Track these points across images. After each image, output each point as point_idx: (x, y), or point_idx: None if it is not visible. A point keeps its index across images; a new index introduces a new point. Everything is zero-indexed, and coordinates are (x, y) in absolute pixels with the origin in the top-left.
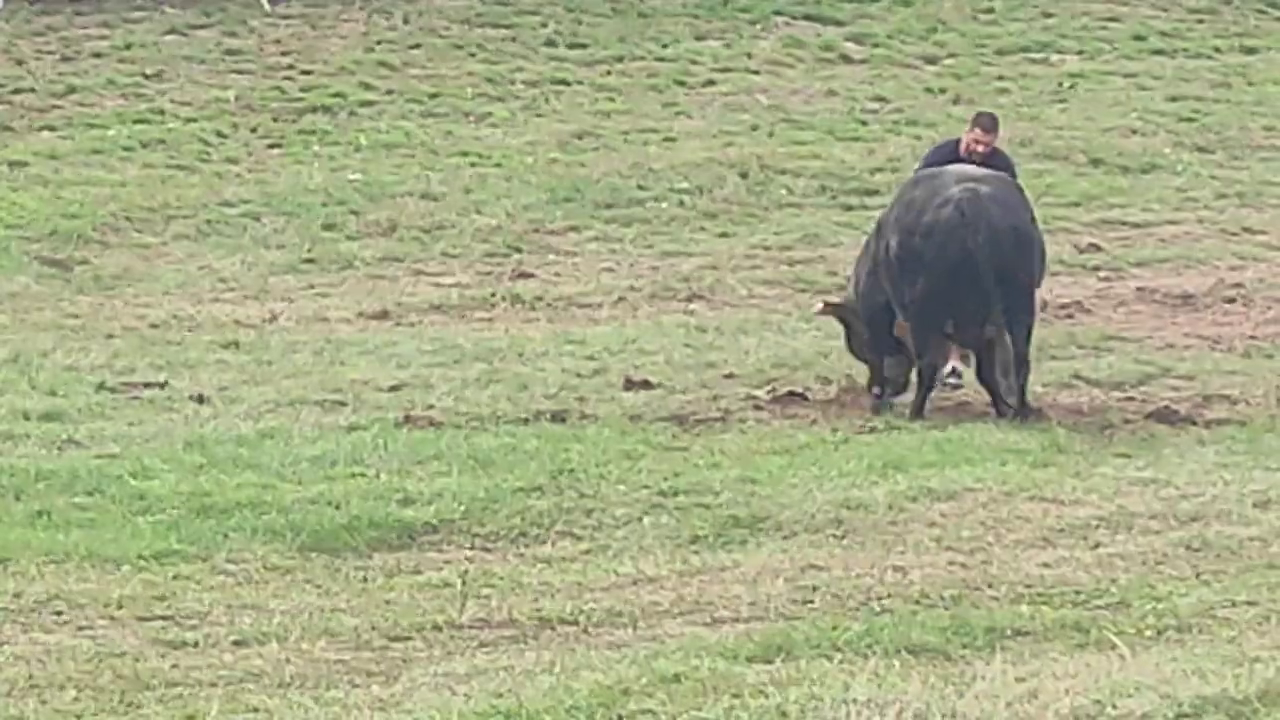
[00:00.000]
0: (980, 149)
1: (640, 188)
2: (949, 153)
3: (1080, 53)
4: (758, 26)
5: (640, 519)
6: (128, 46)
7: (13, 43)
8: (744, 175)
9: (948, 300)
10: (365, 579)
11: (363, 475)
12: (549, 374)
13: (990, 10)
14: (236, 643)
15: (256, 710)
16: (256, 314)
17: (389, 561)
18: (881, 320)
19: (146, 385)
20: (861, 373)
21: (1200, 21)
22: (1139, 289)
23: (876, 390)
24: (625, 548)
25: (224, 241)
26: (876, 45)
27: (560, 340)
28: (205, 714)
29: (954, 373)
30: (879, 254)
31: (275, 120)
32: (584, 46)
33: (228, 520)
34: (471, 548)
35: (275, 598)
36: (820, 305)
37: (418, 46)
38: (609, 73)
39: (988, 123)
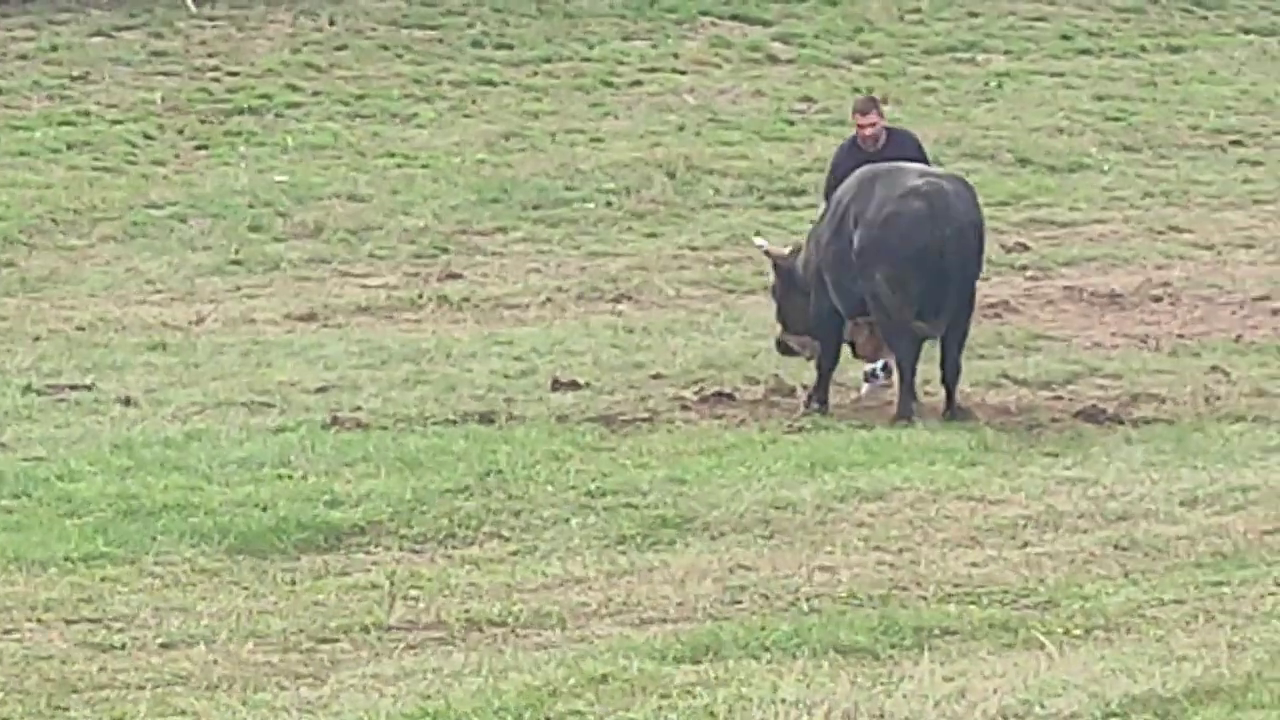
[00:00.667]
0: (869, 131)
1: (567, 188)
2: (851, 148)
3: (1007, 52)
4: (684, 27)
5: (568, 520)
6: (53, 48)
7: None
8: (671, 175)
9: (914, 292)
10: (293, 581)
11: (290, 477)
12: (476, 375)
13: (917, 10)
14: (164, 645)
15: (184, 713)
16: (183, 316)
17: (316, 563)
18: (829, 316)
19: (73, 388)
20: (791, 373)
21: (1126, 21)
22: (1066, 288)
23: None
24: (553, 549)
25: (151, 243)
26: (803, 45)
27: (488, 341)
28: (133, 717)
29: (886, 369)
30: (824, 254)
31: (202, 122)
32: (511, 47)
33: (155, 523)
34: (399, 549)
35: (203, 600)
36: (764, 245)
37: (344, 48)
38: (536, 73)
39: (863, 105)
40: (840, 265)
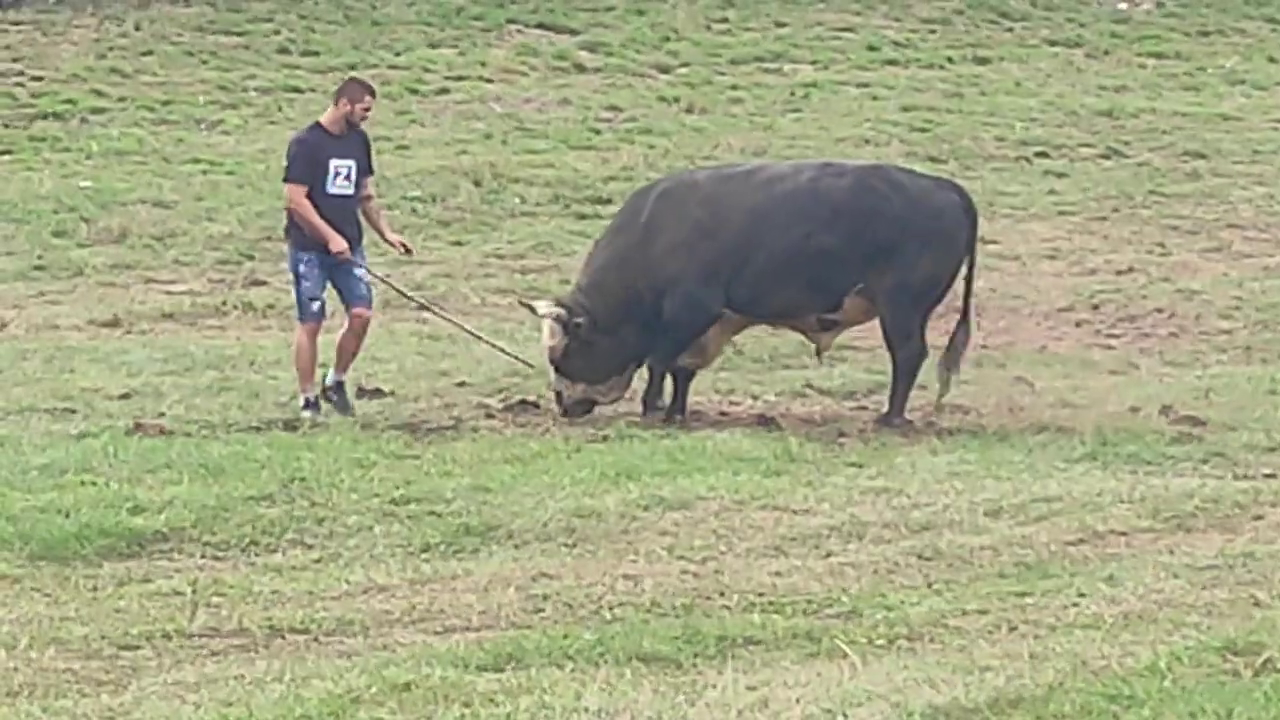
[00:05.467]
0: (369, 114)
1: None
2: (320, 135)
3: (814, 63)
4: (491, 35)
5: (372, 527)
6: None
7: None
8: (477, 183)
9: (951, 277)
10: (95, 587)
11: (93, 483)
12: (281, 382)
13: (724, 20)
14: None
15: None
16: None
17: (119, 570)
18: (694, 330)
19: None
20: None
21: (933, 32)
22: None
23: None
24: (357, 556)
25: None
26: (610, 54)
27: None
28: None
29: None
30: (773, 253)
31: (6, 127)
32: (317, 54)
33: None
34: (202, 556)
35: (3, 606)
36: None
37: (150, 53)
38: (342, 80)
39: (368, 87)
40: (814, 258)
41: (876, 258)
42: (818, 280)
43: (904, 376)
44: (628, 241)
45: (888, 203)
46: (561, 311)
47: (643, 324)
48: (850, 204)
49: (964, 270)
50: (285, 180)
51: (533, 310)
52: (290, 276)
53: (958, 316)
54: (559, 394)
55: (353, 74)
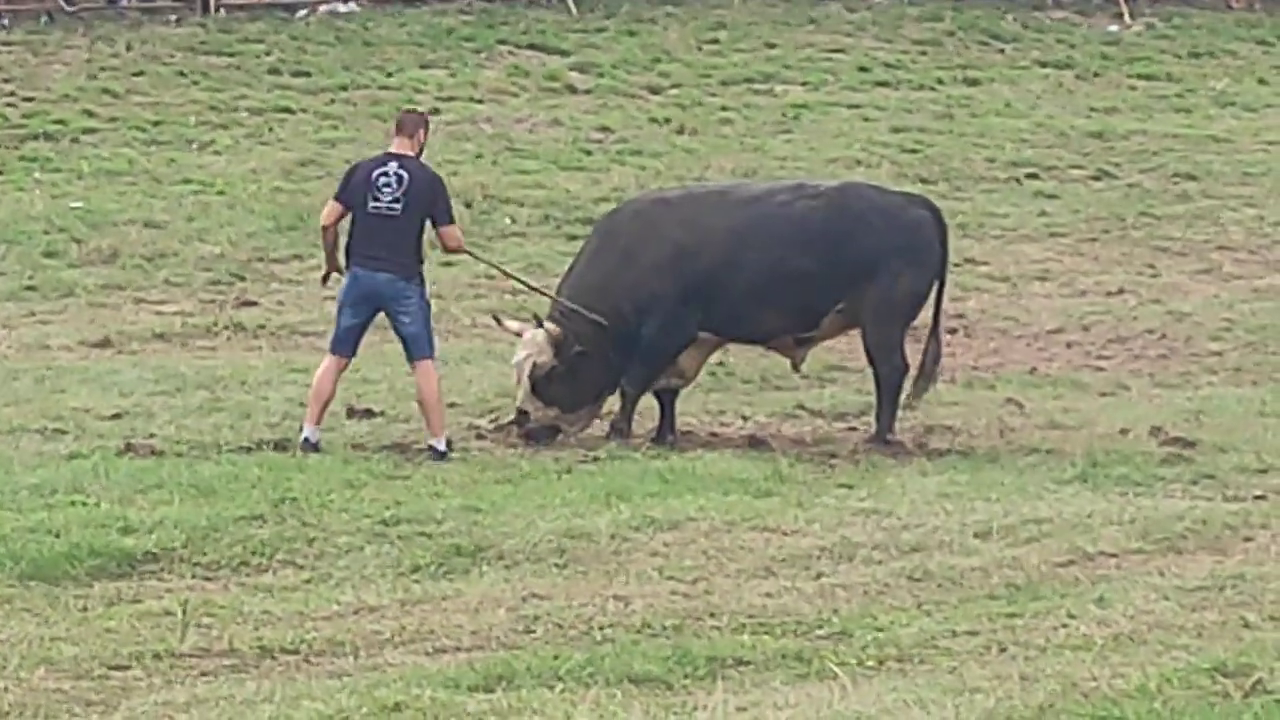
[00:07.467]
0: None
1: None
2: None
3: (804, 84)
4: (482, 55)
5: (362, 548)
6: None
7: None
8: (468, 204)
9: (929, 292)
10: (85, 608)
11: (83, 503)
12: (272, 402)
13: (715, 41)
14: None
15: None
16: None
17: (109, 590)
18: (671, 352)
19: None
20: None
21: (924, 54)
22: None
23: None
24: (347, 577)
25: None
26: (601, 75)
27: (283, 369)
28: None
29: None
30: (749, 271)
31: None
32: (308, 75)
33: None
34: (192, 576)
35: None
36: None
37: (141, 74)
38: (333, 101)
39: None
40: (794, 280)
41: (858, 276)
42: (798, 303)
43: (888, 393)
44: (607, 263)
45: (864, 221)
46: (557, 330)
47: (623, 348)
48: (827, 225)
49: (935, 286)
50: (451, 222)
51: (501, 323)
52: (419, 313)
53: (928, 332)
54: (524, 414)
55: (409, 106)
